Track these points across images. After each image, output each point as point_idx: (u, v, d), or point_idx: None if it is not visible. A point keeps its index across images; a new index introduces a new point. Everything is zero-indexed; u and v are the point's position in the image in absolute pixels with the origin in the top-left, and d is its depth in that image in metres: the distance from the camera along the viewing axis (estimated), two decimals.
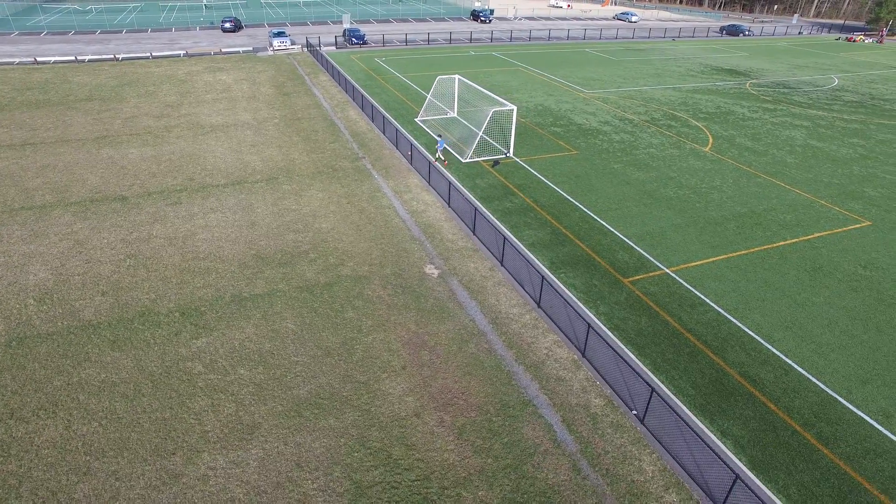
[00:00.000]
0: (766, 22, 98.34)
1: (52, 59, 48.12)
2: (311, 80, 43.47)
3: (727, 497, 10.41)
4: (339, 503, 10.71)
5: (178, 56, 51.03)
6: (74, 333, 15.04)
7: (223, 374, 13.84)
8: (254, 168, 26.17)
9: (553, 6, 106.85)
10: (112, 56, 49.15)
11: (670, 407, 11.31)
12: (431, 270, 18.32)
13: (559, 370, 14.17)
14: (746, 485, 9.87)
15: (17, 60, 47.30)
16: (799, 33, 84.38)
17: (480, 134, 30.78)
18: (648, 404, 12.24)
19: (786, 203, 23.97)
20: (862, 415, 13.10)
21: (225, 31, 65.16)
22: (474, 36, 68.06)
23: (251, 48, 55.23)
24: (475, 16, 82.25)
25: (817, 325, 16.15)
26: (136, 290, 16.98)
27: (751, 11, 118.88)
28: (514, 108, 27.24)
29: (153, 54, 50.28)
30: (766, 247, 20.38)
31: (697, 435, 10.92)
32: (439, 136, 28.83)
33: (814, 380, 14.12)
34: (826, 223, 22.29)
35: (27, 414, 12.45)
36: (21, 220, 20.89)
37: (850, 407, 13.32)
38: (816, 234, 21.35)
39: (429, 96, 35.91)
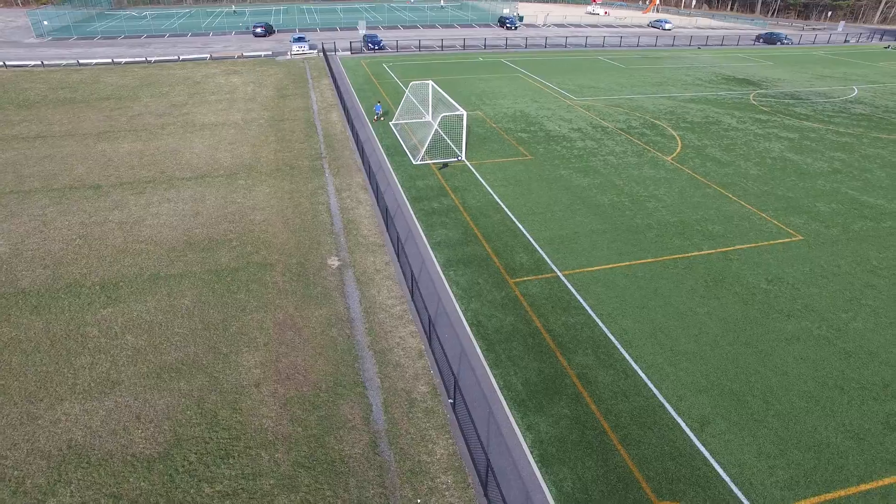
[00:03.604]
0: (814, 30, 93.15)
1: (94, 61, 53.27)
2: (314, 84, 45.95)
3: (486, 481, 11.19)
4: (154, 450, 12.29)
5: (204, 59, 55.11)
6: (6, 298, 17.49)
7: (112, 338, 15.80)
8: (221, 164, 28.50)
9: (590, 13, 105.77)
10: (144, 59, 53.78)
11: (464, 400, 12.12)
12: (333, 261, 19.71)
13: (402, 358, 15.18)
14: (492, 472, 10.56)
15: (63, 62, 52.70)
16: (845, 41, 79.56)
17: (435, 130, 31.85)
18: (455, 392, 13.09)
19: (723, 214, 23.66)
20: (679, 421, 13.34)
21: (256, 35, 69.36)
22: (491, 42, 68.93)
23: (271, 52, 58.71)
24: (502, 22, 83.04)
25: (685, 335, 16.27)
26: (73, 266, 19.36)
27: (806, 19, 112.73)
28: (464, 113, 28.21)
29: (181, 57, 54.59)
30: (676, 256, 20.40)
31: (474, 427, 11.69)
32: (378, 102, 37.46)
33: (651, 385, 14.41)
34: (754, 236, 21.90)
35: None
36: (5, 202, 24.00)
37: (672, 413, 13.56)
38: (737, 247, 21.08)
39: (403, 100, 37.37)
